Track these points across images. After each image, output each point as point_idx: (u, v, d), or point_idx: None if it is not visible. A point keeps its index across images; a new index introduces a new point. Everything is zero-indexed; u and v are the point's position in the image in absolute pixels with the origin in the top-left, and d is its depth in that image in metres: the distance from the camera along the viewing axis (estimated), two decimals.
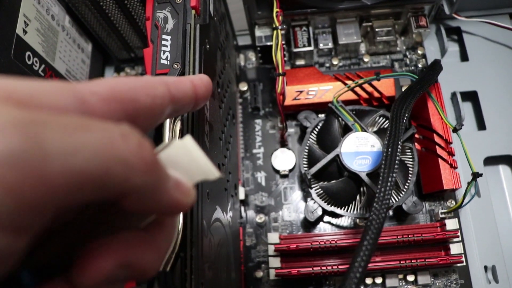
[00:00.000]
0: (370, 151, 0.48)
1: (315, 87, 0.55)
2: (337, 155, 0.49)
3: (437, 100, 0.50)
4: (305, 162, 0.52)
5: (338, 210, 0.50)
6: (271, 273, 0.49)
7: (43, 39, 0.48)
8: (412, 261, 0.47)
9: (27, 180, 0.14)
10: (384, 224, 0.34)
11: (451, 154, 0.50)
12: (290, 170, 0.56)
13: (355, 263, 0.28)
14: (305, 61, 0.61)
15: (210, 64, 0.42)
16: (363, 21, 0.59)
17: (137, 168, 0.17)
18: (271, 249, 0.49)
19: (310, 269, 0.47)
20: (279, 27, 0.49)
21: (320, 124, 0.53)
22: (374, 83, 0.54)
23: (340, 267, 0.47)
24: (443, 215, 0.52)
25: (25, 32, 0.45)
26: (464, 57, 0.62)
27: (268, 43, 0.57)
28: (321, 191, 0.51)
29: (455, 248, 0.48)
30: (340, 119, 0.51)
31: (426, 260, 0.47)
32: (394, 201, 0.49)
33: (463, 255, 0.48)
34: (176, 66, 0.38)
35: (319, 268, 0.47)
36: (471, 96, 0.60)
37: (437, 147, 0.50)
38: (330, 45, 0.59)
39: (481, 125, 0.58)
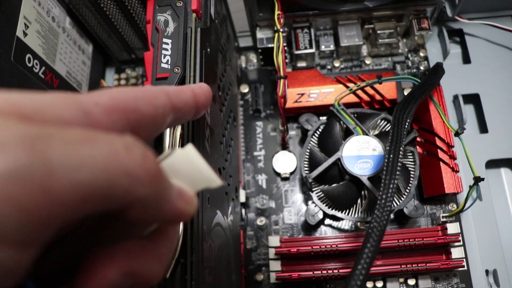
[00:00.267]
0: (372, 154, 0.48)
1: (317, 90, 0.55)
2: (338, 159, 0.48)
3: (439, 103, 0.50)
4: (306, 165, 0.52)
5: (339, 214, 0.49)
6: (271, 276, 0.49)
7: (44, 41, 0.48)
8: (413, 265, 0.47)
9: (34, 195, 0.14)
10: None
11: (452, 157, 0.50)
12: (291, 173, 0.56)
13: (356, 270, 0.28)
14: (307, 63, 0.60)
15: (211, 67, 0.41)
16: (365, 23, 0.58)
17: (142, 180, 0.17)
18: (271, 252, 0.49)
19: (311, 272, 0.47)
20: (281, 30, 0.49)
21: (322, 127, 0.53)
22: (376, 86, 0.54)
23: (340, 270, 0.46)
24: (444, 219, 0.51)
25: (25, 34, 0.44)
26: (466, 59, 0.61)
27: (270, 45, 0.56)
28: (322, 195, 0.50)
29: (456, 252, 0.48)
30: (341, 122, 0.51)
31: (427, 264, 0.46)
32: (395, 205, 0.49)
33: (464, 259, 0.47)
34: (176, 70, 0.37)
35: (319, 272, 0.47)
36: (473, 99, 0.59)
37: (438, 150, 0.50)
38: (332, 47, 0.59)
39: (483, 128, 0.58)
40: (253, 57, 0.63)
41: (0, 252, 0.14)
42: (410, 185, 0.49)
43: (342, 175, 0.50)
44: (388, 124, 0.53)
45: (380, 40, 0.58)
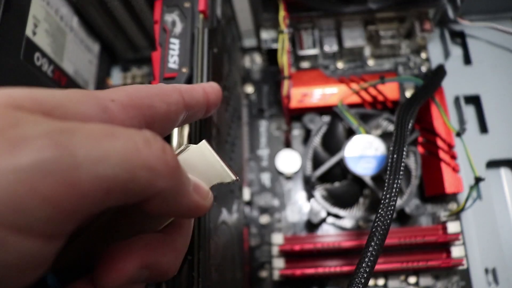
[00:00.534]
0: (374, 154, 0.49)
1: (320, 90, 0.55)
2: (341, 159, 0.49)
3: (440, 104, 0.51)
4: (309, 165, 0.53)
5: (341, 212, 0.50)
6: (275, 273, 0.49)
7: (52, 40, 0.48)
8: (414, 263, 0.47)
9: (60, 188, 0.15)
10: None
11: (453, 157, 0.50)
12: (295, 172, 0.57)
13: (360, 268, 0.29)
14: (310, 63, 0.61)
15: (218, 67, 0.42)
16: (368, 24, 0.59)
17: (162, 173, 0.18)
18: (275, 250, 0.50)
19: (314, 270, 0.47)
20: (285, 31, 0.50)
21: (325, 127, 0.54)
22: (379, 86, 0.54)
23: (343, 268, 0.47)
24: (445, 218, 0.52)
25: (34, 33, 0.45)
26: (467, 60, 0.62)
27: (274, 46, 0.57)
28: (325, 193, 0.51)
29: (456, 251, 0.48)
30: (344, 122, 0.52)
31: (428, 262, 0.47)
32: (397, 204, 0.49)
33: (464, 257, 0.48)
34: (184, 70, 0.38)
35: (322, 269, 0.47)
36: (474, 100, 0.60)
37: (439, 150, 0.51)
38: (335, 48, 0.59)
39: (484, 129, 0.58)
40: (257, 57, 0.64)
41: (27, 243, 0.15)
42: (411, 184, 0.50)
43: (344, 175, 0.51)
44: (391, 124, 0.53)
45: (383, 42, 0.58)
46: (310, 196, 0.56)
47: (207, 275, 0.34)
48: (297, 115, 0.57)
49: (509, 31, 0.58)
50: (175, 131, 0.36)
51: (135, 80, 0.63)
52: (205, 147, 0.23)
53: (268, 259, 0.53)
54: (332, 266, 0.48)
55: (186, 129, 0.36)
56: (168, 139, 0.36)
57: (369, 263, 0.28)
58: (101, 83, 0.60)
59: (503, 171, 0.58)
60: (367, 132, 0.50)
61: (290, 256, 0.50)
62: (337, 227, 0.54)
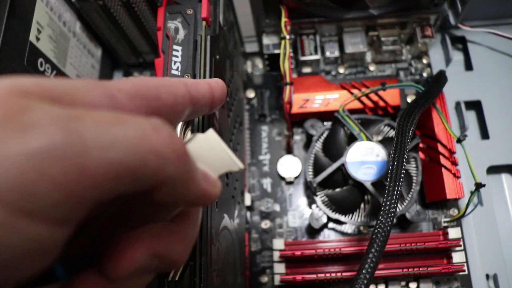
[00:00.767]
0: (375, 160, 0.49)
1: (322, 96, 0.56)
2: (342, 164, 0.49)
3: (441, 110, 0.51)
4: (310, 170, 0.53)
5: (342, 218, 0.50)
6: (275, 278, 0.50)
7: (55, 45, 0.49)
8: (415, 269, 0.47)
9: (70, 172, 0.15)
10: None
11: (454, 163, 0.51)
12: (296, 177, 0.57)
13: (360, 274, 0.29)
14: (312, 69, 0.61)
15: (220, 74, 0.42)
16: (369, 30, 0.59)
17: (170, 159, 0.18)
18: (276, 255, 0.50)
19: (315, 275, 0.48)
20: (287, 37, 0.50)
21: (326, 133, 0.54)
22: (380, 92, 0.55)
23: (344, 274, 0.47)
24: (445, 224, 0.52)
25: (38, 39, 0.45)
26: (468, 66, 0.62)
27: (276, 51, 0.57)
28: (326, 199, 0.51)
29: (457, 257, 0.48)
30: (345, 128, 0.52)
31: (429, 268, 0.47)
32: (397, 210, 0.49)
33: (465, 263, 0.48)
34: (186, 76, 0.38)
35: (323, 274, 0.47)
36: (475, 105, 0.60)
37: (440, 156, 0.51)
38: (337, 53, 0.60)
39: (485, 134, 0.59)
40: (259, 62, 0.64)
41: (36, 228, 0.15)
42: (412, 190, 0.50)
43: (346, 180, 0.51)
44: (391, 130, 0.54)
45: (384, 47, 0.59)
46: (311, 201, 0.56)
47: (209, 280, 0.34)
48: (299, 120, 0.57)
49: (510, 37, 0.58)
50: (178, 128, 0.36)
51: None
52: (212, 136, 0.23)
53: (269, 264, 0.53)
54: (333, 272, 0.48)
55: (188, 134, 0.36)
56: None
57: (369, 269, 0.29)
58: None
59: (504, 177, 0.58)
60: (368, 138, 0.50)
61: (291, 261, 0.50)
62: (338, 232, 0.54)
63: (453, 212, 0.54)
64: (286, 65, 0.49)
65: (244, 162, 0.57)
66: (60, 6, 0.50)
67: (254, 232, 0.55)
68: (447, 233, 0.49)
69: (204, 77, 0.38)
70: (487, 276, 0.52)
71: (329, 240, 0.50)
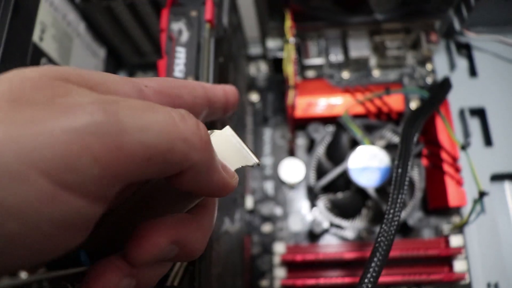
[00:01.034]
0: (378, 166, 0.49)
1: (325, 100, 0.55)
2: (345, 170, 0.49)
3: (445, 116, 0.51)
4: (313, 175, 0.53)
5: (344, 223, 0.50)
6: (276, 283, 0.49)
7: (59, 45, 0.49)
8: (416, 277, 0.47)
9: (110, 149, 0.16)
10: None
11: (457, 170, 0.50)
12: (298, 181, 0.57)
13: (362, 284, 0.29)
14: (315, 72, 0.61)
15: (224, 77, 0.42)
16: (374, 35, 0.59)
17: (196, 146, 0.19)
18: (276, 259, 0.50)
19: (315, 280, 0.47)
20: (291, 41, 0.50)
21: (329, 137, 0.54)
22: (384, 97, 0.54)
23: (345, 279, 0.47)
24: (448, 231, 0.52)
25: (41, 39, 0.45)
26: (472, 72, 0.62)
27: (279, 55, 0.57)
28: (328, 204, 0.51)
29: (459, 265, 0.48)
30: (349, 132, 0.52)
31: (430, 276, 0.47)
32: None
33: (467, 272, 0.48)
34: (190, 79, 0.38)
35: (324, 280, 0.47)
36: (479, 112, 0.60)
37: (444, 163, 0.51)
38: (341, 58, 0.59)
39: (488, 141, 0.58)
40: (262, 65, 0.64)
41: (76, 201, 0.16)
42: (414, 197, 0.50)
43: (348, 185, 0.51)
44: (395, 136, 0.53)
45: (388, 52, 0.58)
46: (313, 206, 0.55)
47: (208, 284, 0.33)
48: (302, 124, 0.57)
49: None
50: None
51: None
52: (229, 132, 0.24)
53: (269, 268, 0.53)
54: (334, 277, 0.47)
55: None
56: None
57: (371, 279, 0.28)
58: None
59: (507, 185, 0.57)
60: (371, 143, 0.50)
61: (291, 266, 0.50)
62: (339, 237, 0.54)
63: (456, 219, 0.53)
64: (289, 69, 0.49)
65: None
66: (64, 6, 0.50)
67: (255, 235, 0.55)
68: (449, 241, 0.48)
69: (208, 79, 0.38)
70: (489, 285, 0.51)
71: (330, 245, 0.50)
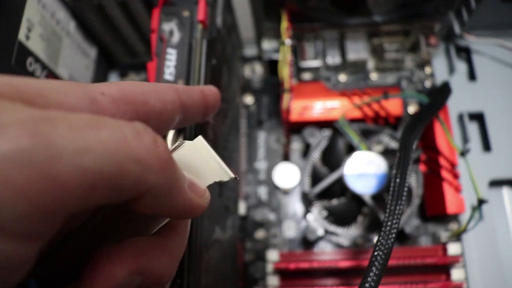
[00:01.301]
0: (375, 172, 0.47)
1: (321, 103, 0.54)
2: (341, 176, 0.48)
3: (444, 122, 0.49)
4: (308, 180, 0.51)
5: (339, 230, 0.49)
6: None
7: (47, 44, 0.47)
8: (413, 285, 0.46)
9: (38, 181, 0.13)
10: None
11: (456, 177, 0.49)
12: (292, 186, 0.55)
13: None
14: (312, 75, 0.60)
15: (216, 79, 0.41)
16: (372, 37, 0.58)
17: (152, 167, 0.16)
18: (270, 267, 0.48)
19: None
20: (288, 43, 0.49)
21: (325, 142, 0.53)
22: (381, 101, 0.53)
23: None
24: (445, 239, 0.51)
25: (27, 37, 0.44)
26: (472, 76, 0.61)
27: (275, 57, 0.56)
28: (323, 210, 0.50)
29: (457, 274, 0.47)
30: (345, 137, 0.50)
31: (427, 285, 0.46)
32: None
33: (465, 281, 0.47)
34: (180, 82, 0.37)
35: None
36: (477, 117, 0.59)
37: (442, 169, 0.49)
38: (338, 60, 0.58)
39: (487, 147, 0.57)
40: (257, 66, 0.63)
41: (2, 245, 0.13)
42: (412, 204, 0.49)
43: (343, 192, 0.49)
44: (392, 141, 0.52)
45: (387, 55, 0.57)
46: (307, 212, 0.54)
47: None
48: (297, 128, 0.55)
49: None
50: (169, 142, 0.34)
51: None
52: (201, 143, 0.22)
53: (262, 276, 0.52)
54: (328, 286, 0.46)
55: (180, 139, 0.34)
56: None
57: None
58: None
59: (506, 191, 0.56)
60: (368, 149, 0.49)
61: (285, 274, 0.48)
62: (334, 244, 0.52)
63: (453, 226, 0.52)
64: (285, 72, 0.48)
65: (239, 169, 0.55)
66: (54, 4, 0.48)
67: (248, 242, 0.53)
68: (446, 249, 0.47)
69: (199, 82, 0.36)
70: None
71: (325, 252, 0.49)
